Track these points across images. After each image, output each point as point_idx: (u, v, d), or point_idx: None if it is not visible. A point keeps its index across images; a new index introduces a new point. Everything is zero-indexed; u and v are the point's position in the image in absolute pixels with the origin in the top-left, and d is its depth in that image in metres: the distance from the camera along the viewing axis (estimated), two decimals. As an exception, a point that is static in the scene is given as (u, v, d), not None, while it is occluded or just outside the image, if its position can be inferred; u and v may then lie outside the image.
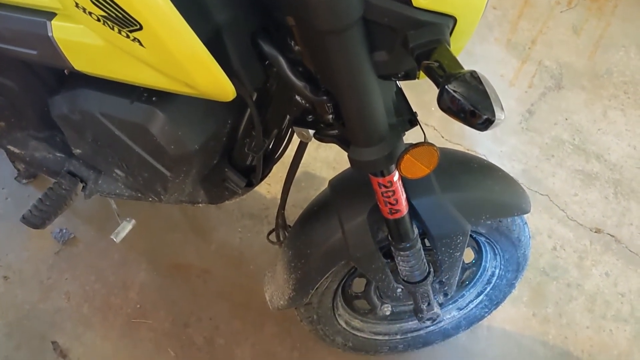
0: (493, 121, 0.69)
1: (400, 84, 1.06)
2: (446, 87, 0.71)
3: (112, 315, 1.70)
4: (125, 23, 0.82)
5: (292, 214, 1.65)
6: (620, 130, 2.11)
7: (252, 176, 1.29)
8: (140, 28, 0.81)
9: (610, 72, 2.27)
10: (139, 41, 0.84)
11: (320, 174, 1.98)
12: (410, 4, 0.77)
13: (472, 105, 0.69)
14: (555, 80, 2.24)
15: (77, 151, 1.29)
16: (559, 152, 2.06)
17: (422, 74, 0.83)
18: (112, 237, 1.51)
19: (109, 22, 0.84)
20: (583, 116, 2.15)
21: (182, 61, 0.84)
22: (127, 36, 0.84)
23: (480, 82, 0.70)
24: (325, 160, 2.02)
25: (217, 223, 1.88)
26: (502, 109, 0.70)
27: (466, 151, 2.04)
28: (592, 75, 2.25)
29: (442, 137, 2.07)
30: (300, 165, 1.97)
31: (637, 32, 2.36)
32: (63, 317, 1.69)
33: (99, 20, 0.85)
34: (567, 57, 2.31)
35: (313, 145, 2.02)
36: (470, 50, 2.28)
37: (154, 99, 1.04)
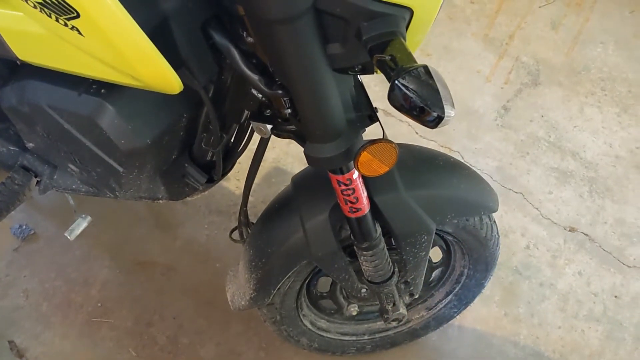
0: (443, 118, 0.65)
1: (364, 79, 1.02)
2: (396, 82, 0.67)
3: (72, 313, 1.65)
4: (62, 10, 0.77)
5: (262, 211, 1.61)
6: (596, 128, 2.09)
7: (213, 172, 1.25)
8: (78, 16, 0.77)
9: (588, 68, 2.24)
10: (77, 30, 0.79)
11: (292, 170, 1.94)
12: (363, -7, 0.73)
13: (422, 102, 0.66)
14: (532, 77, 2.21)
15: (30, 145, 1.24)
16: (534, 150, 2.03)
17: (379, 68, 0.79)
18: (66, 234, 1.46)
19: (45, 10, 0.79)
20: (559, 113, 2.12)
21: (123, 51, 0.80)
22: (65, 24, 0.80)
23: (432, 78, 0.67)
24: (297, 156, 1.98)
25: (184, 219, 1.83)
26: (452, 105, 0.66)
27: (439, 148, 2.01)
28: (569, 72, 2.23)
29: (417, 133, 2.04)
30: (271, 160, 1.94)
31: (616, 28, 2.34)
32: (21, 315, 1.64)
33: (35, 7, 0.80)
34: (544, 53, 2.28)
35: (285, 140, 1.97)
36: (448, 45, 2.24)
37: (102, 91, 0.99)
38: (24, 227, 1.77)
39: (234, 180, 1.91)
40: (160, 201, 1.31)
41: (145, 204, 1.85)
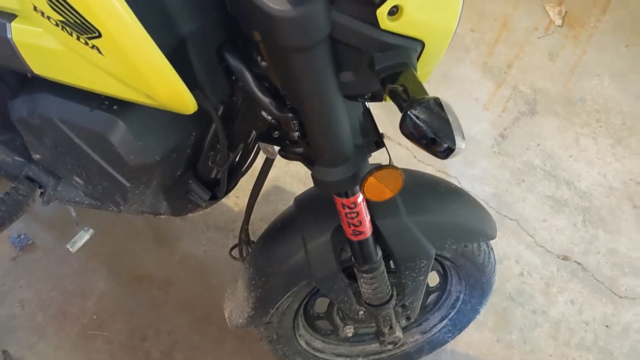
0: (454, 150, 0.67)
1: (370, 104, 1.04)
2: (409, 112, 0.69)
3: (67, 325, 1.65)
4: (84, 30, 0.79)
5: (260, 228, 1.62)
6: (591, 158, 2.13)
7: (217, 189, 1.26)
8: (99, 36, 0.79)
9: (584, 99, 2.28)
10: (97, 49, 0.81)
11: (290, 189, 1.96)
12: (377, 26, 0.75)
13: (433, 132, 0.68)
14: (529, 106, 2.25)
15: (37, 156, 1.25)
16: (529, 178, 2.06)
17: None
18: (68, 246, 1.46)
19: (67, 28, 0.81)
20: (555, 142, 2.16)
21: (142, 71, 0.81)
22: (86, 43, 0.81)
23: (443, 110, 0.69)
24: (296, 175, 2.00)
25: (182, 234, 1.84)
26: (463, 137, 0.69)
27: (436, 173, 2.04)
28: (565, 102, 2.27)
29: (415, 157, 2.07)
30: (270, 179, 1.95)
31: (612, 61, 2.39)
32: (16, 325, 1.64)
33: (57, 25, 0.82)
34: (542, 83, 2.32)
35: (285, 160, 1.99)
36: (447, 72, 2.28)
37: (115, 107, 1.00)
38: (23, 236, 1.77)
39: (233, 197, 1.92)
40: (162, 216, 1.32)
41: (144, 218, 1.85)
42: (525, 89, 2.30)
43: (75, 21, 0.78)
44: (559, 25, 2.48)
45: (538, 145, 2.15)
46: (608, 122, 2.22)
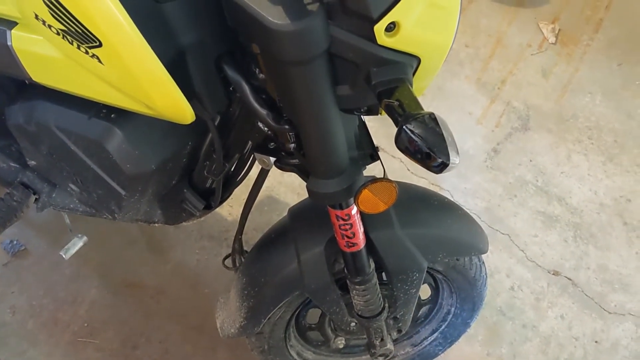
0: (448, 165, 0.69)
1: (365, 117, 1.06)
2: (404, 127, 0.70)
3: (58, 332, 1.65)
4: (85, 39, 0.80)
5: (253, 238, 1.62)
6: (582, 175, 2.14)
7: (211, 199, 1.27)
8: (100, 45, 0.79)
9: (576, 116, 2.30)
10: (97, 58, 0.82)
11: (284, 199, 1.97)
12: (374, 41, 0.76)
13: (428, 147, 0.69)
14: (522, 122, 2.27)
15: (32, 163, 1.25)
16: (521, 193, 2.08)
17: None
18: (61, 253, 1.46)
19: (68, 37, 0.82)
20: (547, 158, 2.18)
21: (141, 81, 0.82)
22: (86, 52, 0.82)
23: (438, 125, 0.70)
24: (290, 186, 2.00)
25: (175, 242, 1.84)
26: (457, 153, 0.70)
27: (429, 186, 2.05)
28: (558, 119, 2.29)
29: (408, 169, 2.08)
30: (264, 189, 1.95)
31: (604, 79, 2.41)
32: (7, 332, 1.64)
33: (58, 33, 0.83)
34: (535, 99, 2.34)
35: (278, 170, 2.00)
36: (441, 86, 2.30)
37: (112, 115, 1.01)
38: (15, 242, 1.77)
39: (227, 206, 1.92)
40: (156, 224, 1.33)
41: (137, 226, 1.85)
42: (518, 105, 2.32)
43: (76, 30, 0.79)
44: (552, 43, 2.51)
45: (530, 160, 2.16)
46: (600, 139, 2.24)
